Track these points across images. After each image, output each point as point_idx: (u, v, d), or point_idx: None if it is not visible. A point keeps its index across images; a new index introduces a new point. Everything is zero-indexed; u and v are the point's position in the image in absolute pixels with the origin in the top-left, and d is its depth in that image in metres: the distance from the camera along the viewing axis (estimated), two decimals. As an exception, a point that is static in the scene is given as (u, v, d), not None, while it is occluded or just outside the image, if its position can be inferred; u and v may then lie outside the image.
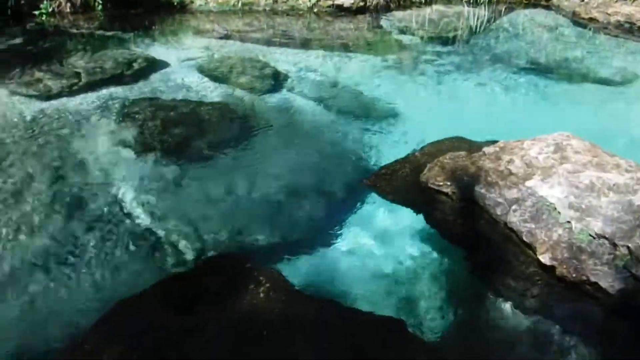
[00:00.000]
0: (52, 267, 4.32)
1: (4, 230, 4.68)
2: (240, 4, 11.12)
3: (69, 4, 10.91)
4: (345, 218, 4.91)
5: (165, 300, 3.68)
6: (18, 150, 5.90)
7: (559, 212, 3.84)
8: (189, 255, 4.52)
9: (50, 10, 10.67)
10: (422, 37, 10.32)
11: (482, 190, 4.25)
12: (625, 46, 10.27)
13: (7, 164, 5.65)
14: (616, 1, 11.62)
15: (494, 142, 5.49)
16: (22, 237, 4.62)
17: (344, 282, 4.14)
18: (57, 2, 10.83)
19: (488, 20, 11.65)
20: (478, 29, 11.22)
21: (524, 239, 3.82)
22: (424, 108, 7.49)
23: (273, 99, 7.58)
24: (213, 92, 7.67)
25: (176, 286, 3.74)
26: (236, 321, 3.39)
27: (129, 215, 5.04)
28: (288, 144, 6.37)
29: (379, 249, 4.46)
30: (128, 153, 6.06)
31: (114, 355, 3.05)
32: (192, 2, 11.14)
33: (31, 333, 3.75)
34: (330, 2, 11.19)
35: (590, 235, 3.62)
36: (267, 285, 3.58)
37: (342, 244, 4.53)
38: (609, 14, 11.22)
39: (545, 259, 3.64)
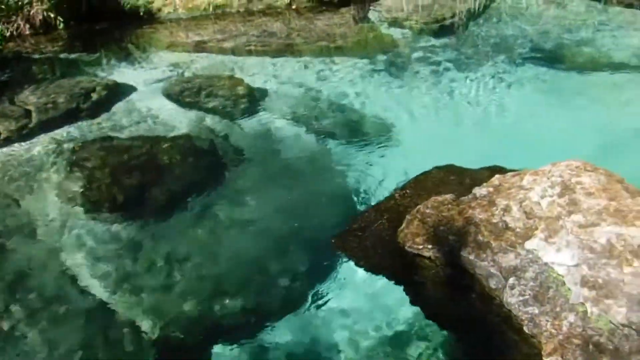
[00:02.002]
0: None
1: None
2: (211, 8, 10.44)
3: (27, 25, 10.24)
4: (310, 292, 4.30)
5: None
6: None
7: (569, 289, 3.13)
8: (151, 335, 4.09)
9: (8, 34, 10.00)
10: (414, 29, 9.59)
11: (471, 256, 3.53)
12: (639, 19, 9.35)
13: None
14: (627, -34, 10.64)
15: (492, 169, 4.82)
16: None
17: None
18: (15, 25, 10.16)
19: (486, 1, 10.76)
20: (476, 12, 10.41)
21: (525, 329, 3.10)
22: (416, 123, 6.87)
23: (247, 124, 6.99)
24: (180, 122, 7.08)
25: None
26: None
27: (78, 290, 4.58)
28: (261, 183, 5.84)
29: (344, 339, 3.80)
30: (77, 212, 5.60)
31: None
32: (159, 10, 10.45)
33: None
34: (310, -3, 10.41)
35: (612, 323, 2.89)
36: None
37: (298, 335, 3.90)
38: (619, -19, 10.30)
39: (553, 362, 2.92)
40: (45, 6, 10.02)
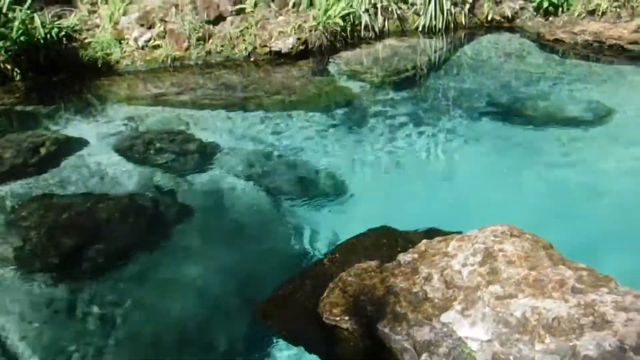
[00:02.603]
0: None
1: None
2: (170, 60, 10.46)
3: (-17, 77, 10.22)
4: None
5: None
6: None
7: (482, 367, 3.03)
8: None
9: (-38, 86, 9.98)
10: (372, 82, 9.68)
11: (387, 329, 3.45)
12: (595, 71, 9.64)
13: None
14: (583, 17, 10.90)
15: (427, 231, 4.79)
16: None
17: None
18: (-30, 77, 10.14)
19: (447, 53, 10.98)
20: (436, 64, 10.57)
21: (436, 411, 3.01)
22: (367, 181, 6.90)
23: (196, 180, 6.94)
24: (127, 178, 7.01)
25: None
26: None
27: (6, 357, 4.42)
28: (204, 243, 5.74)
29: None
30: (9, 275, 5.40)
31: None
32: (118, 63, 10.47)
33: None
34: (268, 49, 10.44)
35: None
36: None
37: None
38: (576, 34, 10.58)
39: None
40: (2, 57, 10.01)
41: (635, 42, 9.90)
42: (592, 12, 10.98)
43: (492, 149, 7.35)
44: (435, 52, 11.08)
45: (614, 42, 10.20)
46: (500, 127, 7.95)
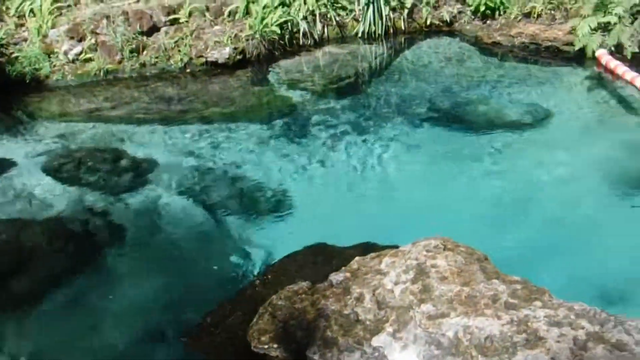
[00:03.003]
0: None
1: None
2: (102, 74, 10.13)
3: None
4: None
5: None
6: None
7: (413, 392, 2.94)
8: None
9: None
10: (313, 91, 9.61)
11: (316, 357, 3.32)
12: (533, 74, 9.81)
13: None
14: (519, 20, 11.07)
15: (364, 246, 4.69)
16: None
17: None
18: None
19: (387, 58, 10.99)
20: (377, 71, 10.57)
21: None
22: (307, 194, 6.77)
23: (130, 200, 6.75)
24: (56, 200, 6.71)
25: None
26: None
27: None
28: (138, 267, 5.56)
29: None
30: None
31: None
32: (47, 77, 10.08)
33: None
34: (204, 59, 10.23)
35: None
36: None
37: None
38: (513, 36, 10.75)
39: None
40: None
41: (569, 44, 10.09)
42: (528, 15, 11.17)
43: (432, 157, 7.35)
44: (375, 57, 11.07)
45: (550, 43, 10.39)
46: (441, 134, 7.97)
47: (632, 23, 9.56)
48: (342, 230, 5.47)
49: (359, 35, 11.45)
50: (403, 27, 11.67)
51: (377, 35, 11.44)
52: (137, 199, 6.74)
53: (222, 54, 10.05)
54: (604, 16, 9.71)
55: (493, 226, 5.60)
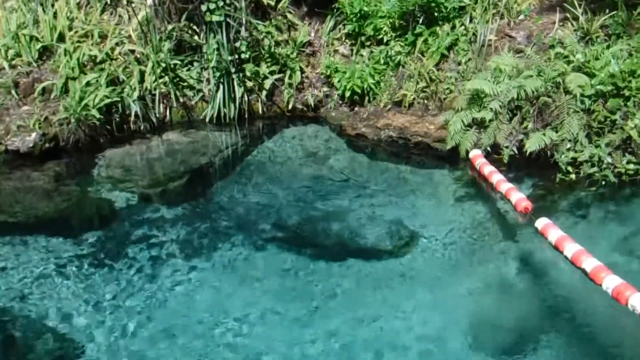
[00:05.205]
0: None
1: None
2: None
3: None
4: None
5: None
6: None
7: None
8: None
9: None
10: (140, 194, 8.27)
11: None
12: (402, 177, 8.85)
13: None
14: (389, 109, 10.12)
15: None
16: None
17: None
18: None
19: (241, 150, 9.73)
20: (223, 168, 9.25)
21: None
22: (106, 347, 5.52)
23: None
24: None
25: None
26: None
27: None
28: None
29: None
30: None
31: None
32: None
33: None
34: (4, 148, 8.52)
35: None
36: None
37: None
38: (380, 128, 9.82)
39: None
40: None
41: (441, 140, 9.21)
42: (399, 103, 10.18)
43: (271, 298, 6.17)
44: (226, 148, 9.76)
45: (420, 139, 9.47)
46: (285, 262, 6.87)
47: (510, 120, 8.68)
48: None
49: (207, 120, 10.07)
50: (261, 111, 10.45)
51: (229, 120, 10.12)
52: None
53: (25, 141, 8.42)
54: (479, 111, 8.81)
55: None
